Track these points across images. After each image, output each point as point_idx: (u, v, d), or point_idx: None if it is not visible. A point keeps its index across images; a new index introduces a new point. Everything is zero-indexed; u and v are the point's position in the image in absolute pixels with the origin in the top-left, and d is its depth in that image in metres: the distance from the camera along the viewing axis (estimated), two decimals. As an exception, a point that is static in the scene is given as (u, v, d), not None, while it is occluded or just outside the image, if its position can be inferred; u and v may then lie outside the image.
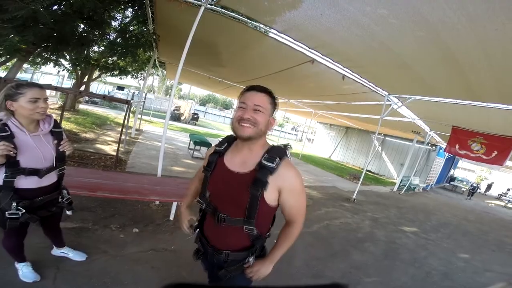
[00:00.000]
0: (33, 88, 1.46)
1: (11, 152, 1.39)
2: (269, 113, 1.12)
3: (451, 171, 19.32)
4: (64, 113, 7.05)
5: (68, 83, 16.73)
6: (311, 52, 4.68)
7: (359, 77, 5.42)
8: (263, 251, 1.30)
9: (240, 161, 1.15)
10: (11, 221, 1.52)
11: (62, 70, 8.36)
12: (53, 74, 16.61)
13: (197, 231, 1.33)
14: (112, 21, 7.08)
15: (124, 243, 2.61)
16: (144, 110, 12.63)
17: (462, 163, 21.97)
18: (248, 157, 1.14)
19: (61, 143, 1.67)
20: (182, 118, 19.81)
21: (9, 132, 1.41)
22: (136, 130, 9.55)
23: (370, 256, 3.74)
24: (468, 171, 27.65)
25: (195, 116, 20.54)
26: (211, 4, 3.77)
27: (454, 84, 4.39)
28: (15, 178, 1.49)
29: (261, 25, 4.34)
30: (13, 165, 1.45)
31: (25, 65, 7.85)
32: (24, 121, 1.49)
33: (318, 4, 3.11)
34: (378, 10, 2.83)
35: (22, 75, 14.11)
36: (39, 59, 6.90)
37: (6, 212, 1.48)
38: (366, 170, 8.43)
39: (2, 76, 5.75)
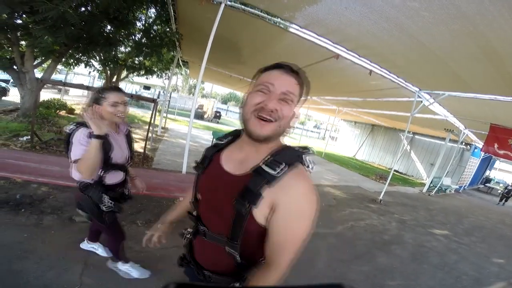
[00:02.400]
0: (114, 92, 1.57)
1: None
2: (296, 104, 0.81)
3: (487, 172, 17.98)
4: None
5: (98, 83, 17.69)
6: (335, 47, 4.54)
7: (387, 72, 5.18)
8: None
9: (238, 160, 0.84)
10: (109, 214, 1.65)
11: (93, 71, 8.82)
12: (85, 75, 17.65)
13: (189, 236, 1.03)
14: (137, 22, 7.33)
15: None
16: (169, 109, 13.00)
17: (500, 164, 20.39)
18: (250, 155, 0.82)
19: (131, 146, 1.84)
20: (205, 116, 20.16)
21: None
22: (162, 128, 9.88)
23: (397, 259, 3.58)
24: (505, 173, 25.57)
25: (218, 114, 20.78)
26: (231, 1, 3.79)
27: (494, 79, 4.06)
28: (108, 173, 1.63)
29: (282, 21, 4.28)
30: (107, 161, 1.59)
31: (59, 66, 8.38)
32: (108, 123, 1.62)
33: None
34: (407, 2, 2.67)
35: (56, 76, 15.07)
36: (72, 60, 7.33)
37: (103, 206, 1.60)
38: (394, 170, 8.08)
39: (39, 77, 6.17)
